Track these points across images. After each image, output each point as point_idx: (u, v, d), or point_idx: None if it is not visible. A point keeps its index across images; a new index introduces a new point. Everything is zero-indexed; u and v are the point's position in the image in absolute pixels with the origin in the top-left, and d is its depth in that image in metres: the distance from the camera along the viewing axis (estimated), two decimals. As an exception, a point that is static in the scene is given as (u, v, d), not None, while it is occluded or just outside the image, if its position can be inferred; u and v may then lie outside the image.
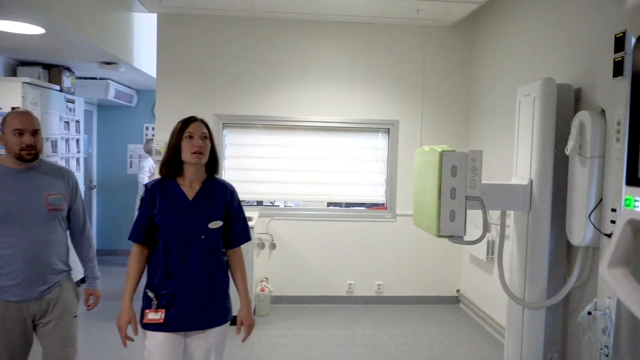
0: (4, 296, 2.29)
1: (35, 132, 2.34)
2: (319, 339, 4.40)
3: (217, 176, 2.38)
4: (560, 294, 3.17)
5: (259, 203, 5.45)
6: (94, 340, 4.12)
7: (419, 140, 5.37)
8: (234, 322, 2.39)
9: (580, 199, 2.99)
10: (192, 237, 2.21)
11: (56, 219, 2.43)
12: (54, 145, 5.21)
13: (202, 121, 2.27)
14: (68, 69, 5.65)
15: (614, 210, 2.73)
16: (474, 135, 5.24)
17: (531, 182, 3.24)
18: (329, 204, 5.54)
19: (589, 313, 2.76)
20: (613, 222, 2.74)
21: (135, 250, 2.28)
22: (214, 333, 2.27)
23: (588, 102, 3.19)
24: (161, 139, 5.13)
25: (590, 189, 2.92)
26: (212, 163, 2.31)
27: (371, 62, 5.31)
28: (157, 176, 5.18)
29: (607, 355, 2.61)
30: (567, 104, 3.25)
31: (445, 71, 5.38)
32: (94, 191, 7.27)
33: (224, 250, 2.36)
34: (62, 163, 5.27)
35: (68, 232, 2.57)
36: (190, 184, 2.27)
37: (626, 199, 2.23)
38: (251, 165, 5.31)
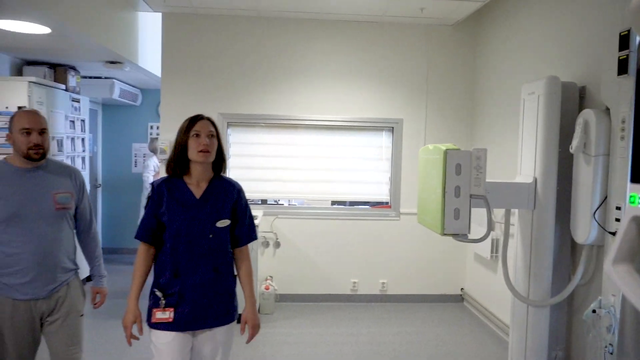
0: (12, 294, 2.31)
1: (43, 131, 2.35)
2: (323, 337, 4.41)
3: (224, 174, 2.37)
4: (564, 292, 3.18)
5: (264, 202, 5.47)
6: (99, 338, 4.15)
7: (423, 139, 5.37)
8: (239, 320, 2.39)
9: (584, 197, 2.99)
10: (199, 236, 2.20)
11: (64, 218, 2.44)
12: (60, 144, 5.24)
13: (209, 119, 2.26)
14: (73, 68, 5.67)
15: (618, 208, 2.73)
16: (478, 134, 5.24)
17: (536, 180, 3.24)
18: (333, 203, 5.55)
19: (594, 311, 2.76)
20: (618, 220, 2.73)
21: (141, 249, 2.27)
22: (221, 332, 2.26)
23: (592, 100, 3.19)
24: (166, 138, 5.15)
25: (595, 187, 2.91)
26: (219, 161, 2.30)
27: (375, 60, 5.31)
28: (162, 175, 5.21)
29: (611, 353, 2.61)
30: (571, 102, 3.25)
31: (449, 70, 5.38)
32: (99, 190, 7.30)
33: (231, 248, 2.35)
34: (68, 162, 5.30)
35: (74, 230, 2.58)
36: (197, 183, 2.25)
37: (631, 196, 2.24)
38: (255, 164, 5.32)
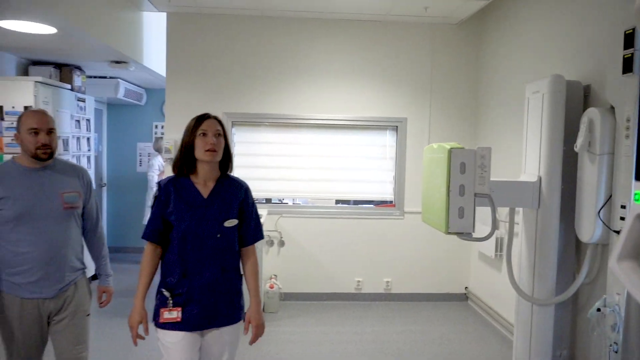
0: (21, 294, 2.32)
1: (51, 131, 2.35)
2: (327, 336, 4.42)
3: (231, 173, 2.36)
4: (569, 291, 3.17)
5: (268, 200, 5.49)
6: (105, 337, 4.17)
7: (427, 138, 5.37)
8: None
9: (589, 196, 2.99)
10: (207, 236, 2.19)
11: (72, 217, 2.44)
12: (65, 143, 5.27)
13: (215, 118, 2.25)
14: (79, 68, 5.70)
15: (623, 207, 2.73)
16: (482, 132, 5.23)
17: (540, 179, 3.24)
18: (337, 202, 5.55)
19: (598, 310, 2.76)
20: (623, 218, 2.73)
21: (148, 249, 2.25)
22: (228, 331, 2.26)
23: (597, 98, 3.18)
24: (171, 137, 5.18)
25: (600, 186, 2.91)
26: (226, 160, 2.29)
27: (379, 59, 5.32)
28: (167, 174, 5.24)
29: (616, 352, 2.61)
30: (576, 100, 3.25)
31: (453, 68, 5.38)
32: (104, 189, 7.34)
33: (238, 248, 2.34)
34: (74, 161, 5.33)
35: (81, 229, 2.59)
36: (204, 182, 2.24)
37: (635, 194, 2.24)
38: (260, 163, 5.34)
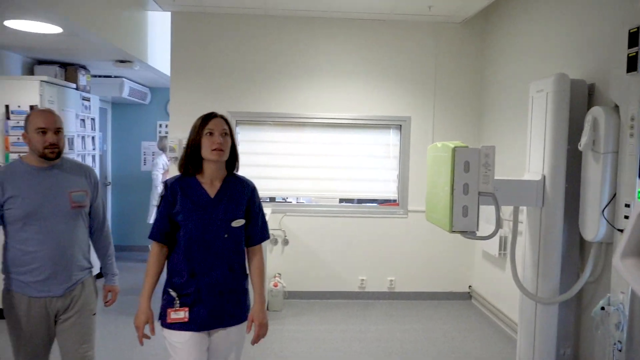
0: (29, 292, 2.33)
1: (58, 131, 2.36)
2: (331, 334, 4.44)
3: (237, 173, 2.34)
4: (573, 290, 3.18)
5: (272, 199, 5.50)
6: (110, 335, 4.20)
7: (430, 137, 5.38)
8: None
9: (593, 195, 2.99)
10: (215, 236, 2.18)
11: (79, 216, 2.45)
12: (71, 142, 5.29)
13: (222, 117, 2.23)
14: (84, 67, 5.73)
15: (627, 205, 2.73)
16: (486, 131, 5.23)
17: (544, 178, 3.24)
18: (341, 200, 5.57)
19: (602, 308, 2.77)
20: (627, 217, 2.74)
21: (155, 249, 2.22)
22: (235, 330, 2.25)
23: (601, 97, 3.18)
24: (175, 136, 5.20)
25: (604, 185, 2.91)
26: (232, 160, 2.27)
27: (383, 58, 5.32)
28: (171, 173, 5.26)
29: (620, 351, 2.62)
30: (580, 99, 3.24)
31: (457, 67, 5.38)
32: (109, 188, 7.37)
33: (244, 247, 2.32)
34: (79, 160, 5.36)
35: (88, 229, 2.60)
36: (210, 182, 2.22)
37: (639, 192, 2.24)
38: (264, 162, 5.35)
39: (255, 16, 5.20)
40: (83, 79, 5.70)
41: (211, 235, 2.17)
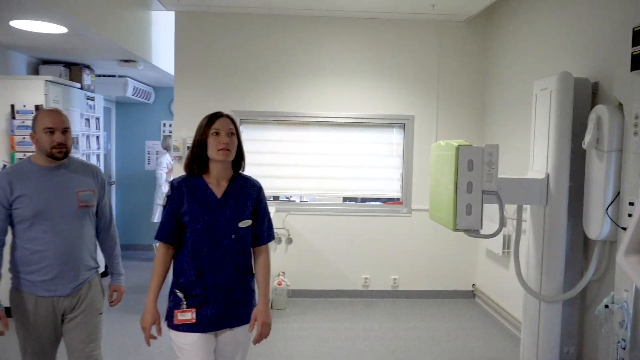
0: (36, 291, 2.34)
1: (66, 130, 2.37)
2: (335, 333, 4.45)
3: (243, 172, 2.32)
4: (577, 288, 3.18)
5: (275, 198, 5.52)
6: (115, 333, 4.22)
7: (434, 135, 5.38)
8: None
9: (597, 193, 2.99)
10: (222, 237, 2.16)
11: (87, 216, 2.46)
12: (75, 141, 5.32)
13: (228, 116, 2.21)
14: (88, 67, 5.75)
15: (631, 204, 2.73)
16: (490, 130, 5.23)
17: (548, 176, 3.24)
18: (345, 199, 5.58)
19: (606, 306, 2.77)
20: (631, 215, 2.74)
21: (161, 250, 2.20)
22: (242, 331, 2.23)
23: (605, 96, 3.18)
24: (179, 135, 5.21)
25: (608, 183, 2.92)
26: (238, 159, 2.25)
27: (386, 57, 5.33)
28: (176, 172, 5.28)
29: (624, 349, 2.62)
30: (584, 98, 3.24)
31: (461, 66, 5.38)
32: (113, 187, 7.40)
33: (251, 248, 2.30)
34: (84, 159, 5.38)
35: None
36: (217, 182, 2.20)
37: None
38: (267, 161, 5.36)
39: (258, 15, 5.21)
40: (87, 78, 5.73)
41: (218, 236, 2.16)
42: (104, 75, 6.31)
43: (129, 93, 6.48)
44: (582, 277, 3.22)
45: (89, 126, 5.69)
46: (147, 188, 7.28)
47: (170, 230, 2.19)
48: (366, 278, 5.45)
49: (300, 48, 5.27)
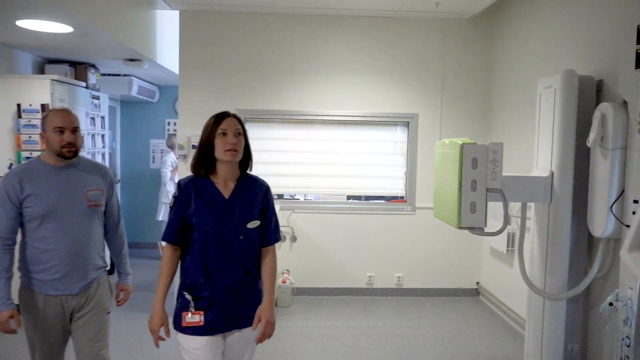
0: (45, 290, 2.35)
1: (75, 130, 2.39)
2: (340, 330, 4.47)
3: (251, 172, 2.30)
4: (581, 286, 3.18)
5: (280, 196, 5.53)
6: (120, 330, 4.24)
7: (438, 133, 5.38)
8: None
9: (601, 191, 3.00)
10: (230, 238, 2.14)
11: (95, 215, 2.47)
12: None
13: (235, 116, 2.17)
14: (93, 66, 5.78)
15: (636, 201, 2.73)
16: (494, 128, 5.23)
17: (552, 174, 3.25)
18: (349, 197, 5.59)
19: (611, 304, 2.77)
20: (635, 213, 2.74)
21: (168, 252, 2.18)
22: (250, 331, 2.21)
23: (610, 93, 3.18)
24: (184, 134, 5.23)
25: (612, 181, 2.92)
26: (246, 159, 2.22)
27: (390, 55, 5.33)
28: (180, 170, 5.30)
29: (628, 346, 2.62)
30: (588, 95, 3.24)
31: (465, 64, 5.38)
32: (118, 185, 7.43)
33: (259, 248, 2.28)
34: (89, 158, 5.41)
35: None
36: (224, 182, 2.18)
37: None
38: (272, 159, 5.38)
39: (262, 14, 5.22)
40: (93, 77, 5.75)
41: (226, 237, 2.13)
42: (109, 74, 6.34)
43: (134, 92, 6.51)
44: (587, 274, 3.23)
45: (94, 125, 5.72)
46: (151, 186, 7.32)
47: (177, 232, 2.17)
48: (370, 276, 5.46)
49: (304, 46, 5.28)
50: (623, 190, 2.89)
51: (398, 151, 5.46)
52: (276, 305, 4.91)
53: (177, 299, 2.17)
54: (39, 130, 4.66)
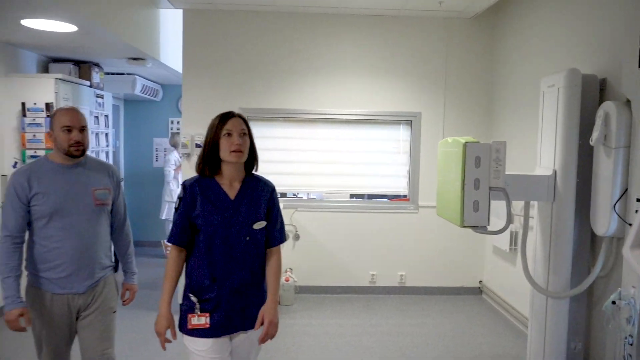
0: (52, 289, 2.36)
1: (83, 129, 2.40)
2: (342, 328, 4.48)
3: (256, 173, 2.29)
4: (584, 284, 3.18)
5: (283, 195, 5.54)
6: (124, 328, 4.26)
7: (441, 132, 5.38)
8: None
9: (604, 189, 3.00)
10: (236, 239, 2.12)
11: (102, 214, 2.48)
12: (85, 139, 5.37)
13: (240, 116, 2.15)
14: (97, 65, 5.80)
15: (638, 200, 2.73)
16: (497, 126, 5.23)
17: (555, 173, 3.25)
18: (352, 196, 5.60)
19: (613, 302, 2.77)
20: (638, 211, 2.74)
21: (174, 253, 2.16)
22: (256, 332, 2.20)
23: (613, 92, 3.18)
24: (188, 133, 5.25)
25: (615, 179, 2.92)
26: (251, 160, 2.21)
27: (393, 54, 5.33)
28: (184, 169, 5.32)
29: (631, 345, 2.63)
30: (591, 94, 3.24)
31: (468, 63, 5.37)
32: (122, 184, 7.45)
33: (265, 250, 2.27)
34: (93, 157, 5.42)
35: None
36: (230, 183, 2.17)
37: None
38: (275, 158, 5.39)
39: (266, 13, 5.23)
40: (96, 76, 5.77)
41: (232, 238, 2.12)
42: (113, 73, 6.36)
43: (137, 91, 6.53)
44: (589, 273, 3.23)
45: (98, 124, 5.74)
46: (155, 185, 7.35)
47: (182, 233, 2.15)
48: (373, 274, 5.47)
49: (307, 45, 5.29)
50: (626, 189, 2.89)
51: (401, 150, 5.47)
52: (279, 304, 4.93)
53: (183, 300, 2.17)
54: (43, 129, 4.69)
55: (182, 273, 2.22)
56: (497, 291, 5.11)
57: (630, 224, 2.82)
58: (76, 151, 2.38)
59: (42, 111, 4.69)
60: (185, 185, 2.16)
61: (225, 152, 2.10)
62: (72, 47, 4.91)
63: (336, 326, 4.53)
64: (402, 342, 4.20)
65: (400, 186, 5.51)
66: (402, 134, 5.46)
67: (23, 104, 4.69)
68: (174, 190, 6.76)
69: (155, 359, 3.77)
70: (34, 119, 4.67)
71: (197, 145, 5.19)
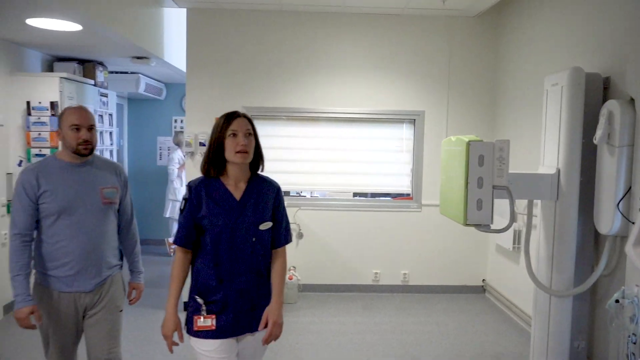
0: (59, 287, 2.38)
1: (91, 128, 2.41)
2: (346, 326, 4.49)
3: (261, 173, 2.28)
4: (587, 283, 3.19)
5: (286, 193, 5.55)
6: (129, 326, 4.29)
7: (444, 131, 5.39)
8: None
9: (608, 188, 3.00)
10: (242, 240, 2.11)
11: (110, 212, 2.49)
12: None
13: (245, 116, 2.14)
14: (101, 63, 5.82)
15: (642, 198, 2.73)
16: (501, 125, 5.23)
17: (559, 171, 3.25)
18: (355, 194, 5.60)
19: (617, 301, 2.77)
20: (642, 210, 2.74)
21: (180, 255, 2.14)
22: (262, 333, 2.19)
23: (617, 90, 3.17)
24: (191, 131, 5.26)
25: (619, 178, 2.92)
26: (256, 160, 2.20)
27: (397, 53, 5.33)
28: (188, 167, 5.34)
29: (634, 343, 2.63)
30: (595, 93, 3.24)
31: (471, 61, 5.37)
32: (129, 183, 7.47)
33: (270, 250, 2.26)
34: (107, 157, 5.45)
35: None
36: (235, 183, 2.15)
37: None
38: (278, 157, 5.40)
39: (269, 12, 5.24)
40: (101, 75, 5.80)
41: (239, 239, 2.10)
42: (117, 72, 6.37)
43: (141, 89, 6.55)
44: (593, 272, 3.23)
45: (102, 122, 5.77)
46: (158, 183, 7.37)
47: (188, 235, 2.13)
48: (376, 273, 5.48)
49: (310, 44, 5.30)
50: (630, 188, 2.89)
51: (404, 148, 5.47)
52: (283, 302, 4.94)
53: (189, 302, 2.16)
54: (48, 128, 4.71)
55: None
56: (500, 290, 5.11)
57: (633, 223, 2.82)
58: (84, 150, 2.39)
59: (47, 110, 4.71)
60: (191, 186, 2.15)
61: (230, 152, 2.09)
62: (76, 46, 4.93)
63: (339, 324, 4.54)
64: (405, 340, 4.21)
65: (403, 185, 5.51)
66: (405, 132, 5.46)
67: (28, 103, 4.72)
68: (178, 188, 6.78)
69: (160, 357, 3.79)
70: (39, 118, 4.70)
71: (201, 144, 5.20)
